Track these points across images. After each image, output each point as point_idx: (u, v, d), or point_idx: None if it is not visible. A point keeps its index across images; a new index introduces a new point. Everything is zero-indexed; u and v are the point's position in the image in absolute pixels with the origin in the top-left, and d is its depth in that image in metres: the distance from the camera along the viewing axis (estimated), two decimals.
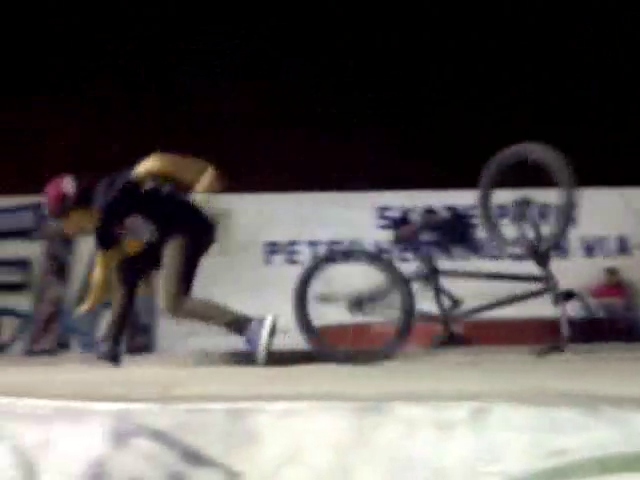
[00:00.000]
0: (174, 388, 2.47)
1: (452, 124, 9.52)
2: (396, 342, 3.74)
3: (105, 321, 4.32)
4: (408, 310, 3.74)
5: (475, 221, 9.22)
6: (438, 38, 9.95)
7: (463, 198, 9.20)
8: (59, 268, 8.77)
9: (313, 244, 8.63)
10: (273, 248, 8.86)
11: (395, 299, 3.80)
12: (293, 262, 8.47)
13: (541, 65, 9.98)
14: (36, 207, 8.61)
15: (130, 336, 8.76)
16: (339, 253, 4.50)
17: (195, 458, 1.95)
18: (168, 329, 8.21)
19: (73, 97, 9.50)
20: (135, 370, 3.75)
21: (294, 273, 3.98)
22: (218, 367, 3.91)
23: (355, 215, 8.79)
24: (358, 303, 3.92)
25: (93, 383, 2.92)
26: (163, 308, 3.75)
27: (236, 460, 1.91)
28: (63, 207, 3.84)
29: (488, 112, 9.62)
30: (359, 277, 3.79)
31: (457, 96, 9.86)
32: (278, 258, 8.70)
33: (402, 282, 3.80)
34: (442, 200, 9.38)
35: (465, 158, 9.02)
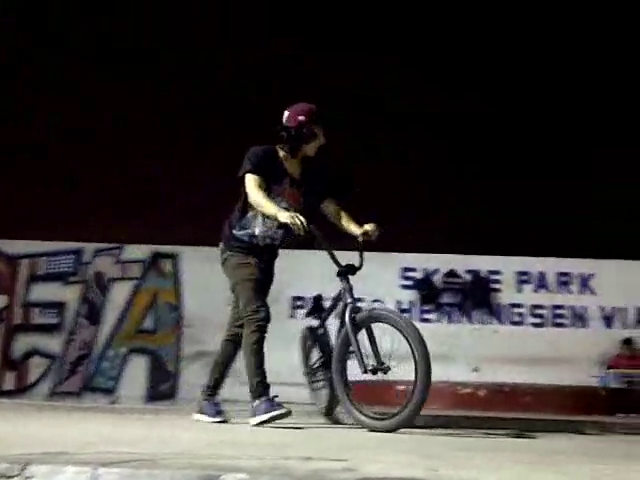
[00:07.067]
0: None
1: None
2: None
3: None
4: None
5: (496, 285, 9.40)
6: None
7: (486, 263, 9.43)
8: (92, 312, 9.05)
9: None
10: (298, 303, 9.10)
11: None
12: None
13: None
14: (75, 252, 8.99)
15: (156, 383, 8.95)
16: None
17: None
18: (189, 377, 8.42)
19: None
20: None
21: None
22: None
23: (379, 274, 8.94)
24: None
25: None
26: None
27: None
28: None
29: None
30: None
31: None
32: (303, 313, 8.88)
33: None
34: (464, 264, 9.61)
35: (486, 224, 9.23)
